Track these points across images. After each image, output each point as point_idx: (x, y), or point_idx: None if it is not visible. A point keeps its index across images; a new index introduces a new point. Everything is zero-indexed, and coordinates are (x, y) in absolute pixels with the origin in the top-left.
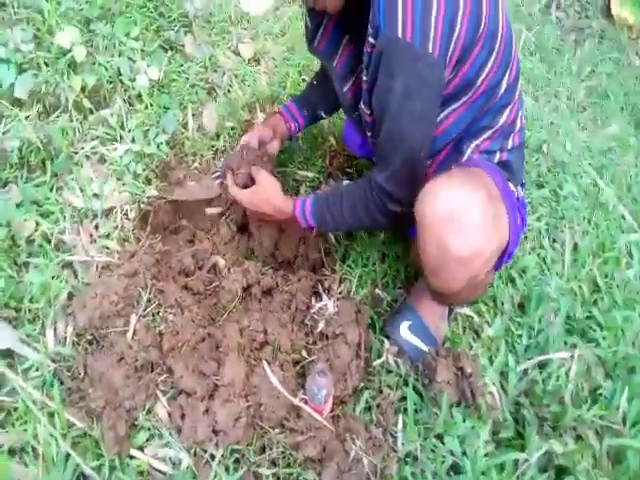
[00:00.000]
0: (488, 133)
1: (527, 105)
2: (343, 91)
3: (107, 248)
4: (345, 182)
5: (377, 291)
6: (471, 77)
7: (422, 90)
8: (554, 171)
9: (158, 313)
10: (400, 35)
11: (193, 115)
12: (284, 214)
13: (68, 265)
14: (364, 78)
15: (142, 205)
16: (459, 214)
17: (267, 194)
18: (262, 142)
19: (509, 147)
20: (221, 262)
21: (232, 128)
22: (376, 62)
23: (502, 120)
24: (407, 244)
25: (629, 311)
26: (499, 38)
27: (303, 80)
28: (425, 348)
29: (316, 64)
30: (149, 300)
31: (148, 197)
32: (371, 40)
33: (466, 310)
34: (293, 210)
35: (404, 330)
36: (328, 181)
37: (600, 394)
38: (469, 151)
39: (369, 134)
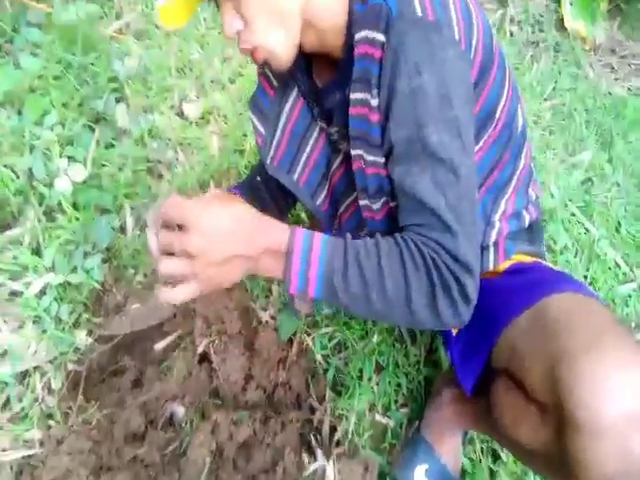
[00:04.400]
0: (512, 185)
1: None
2: (316, 205)
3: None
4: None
5: (377, 417)
6: (493, 102)
7: (459, 90)
8: (543, 220)
9: None
10: (421, 14)
11: (132, 209)
12: (269, 248)
13: None
14: (371, 103)
15: (70, 365)
16: None
17: (234, 209)
18: None
19: (533, 199)
20: (180, 411)
21: None
22: (392, 62)
23: (521, 165)
24: (404, 345)
25: None
26: (506, 60)
27: None
28: None
29: None
30: None
31: (77, 350)
32: (379, 37)
33: None
34: (290, 240)
35: (419, 477)
36: None
37: None
38: (497, 221)
39: (381, 200)
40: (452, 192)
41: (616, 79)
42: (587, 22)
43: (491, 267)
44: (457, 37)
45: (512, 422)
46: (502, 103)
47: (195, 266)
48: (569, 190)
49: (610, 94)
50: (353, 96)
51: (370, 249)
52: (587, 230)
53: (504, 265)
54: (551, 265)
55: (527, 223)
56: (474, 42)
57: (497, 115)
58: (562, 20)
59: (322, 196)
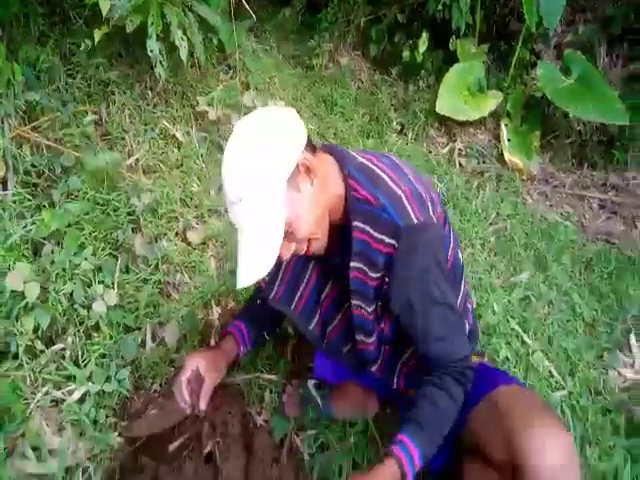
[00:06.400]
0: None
1: None
2: (309, 329)
3: None
4: (311, 382)
5: None
6: (447, 249)
7: (444, 257)
8: (487, 334)
9: None
10: (416, 221)
11: (150, 326)
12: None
13: None
14: (369, 273)
15: (106, 462)
16: (570, 458)
17: None
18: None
19: (470, 310)
20: None
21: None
22: (405, 255)
23: (462, 288)
24: (375, 445)
25: None
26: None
27: None
28: None
29: None
30: None
31: (113, 449)
32: (389, 240)
33: None
34: (402, 470)
35: None
36: (292, 382)
37: None
38: None
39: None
40: (453, 318)
41: (550, 206)
42: (523, 156)
43: None
44: (434, 220)
45: None
46: (450, 251)
47: None
48: (510, 307)
49: (545, 219)
50: (353, 264)
51: (431, 411)
52: (525, 343)
53: None
54: (487, 362)
55: (468, 329)
56: (438, 213)
57: (448, 257)
58: (501, 154)
59: (314, 321)
